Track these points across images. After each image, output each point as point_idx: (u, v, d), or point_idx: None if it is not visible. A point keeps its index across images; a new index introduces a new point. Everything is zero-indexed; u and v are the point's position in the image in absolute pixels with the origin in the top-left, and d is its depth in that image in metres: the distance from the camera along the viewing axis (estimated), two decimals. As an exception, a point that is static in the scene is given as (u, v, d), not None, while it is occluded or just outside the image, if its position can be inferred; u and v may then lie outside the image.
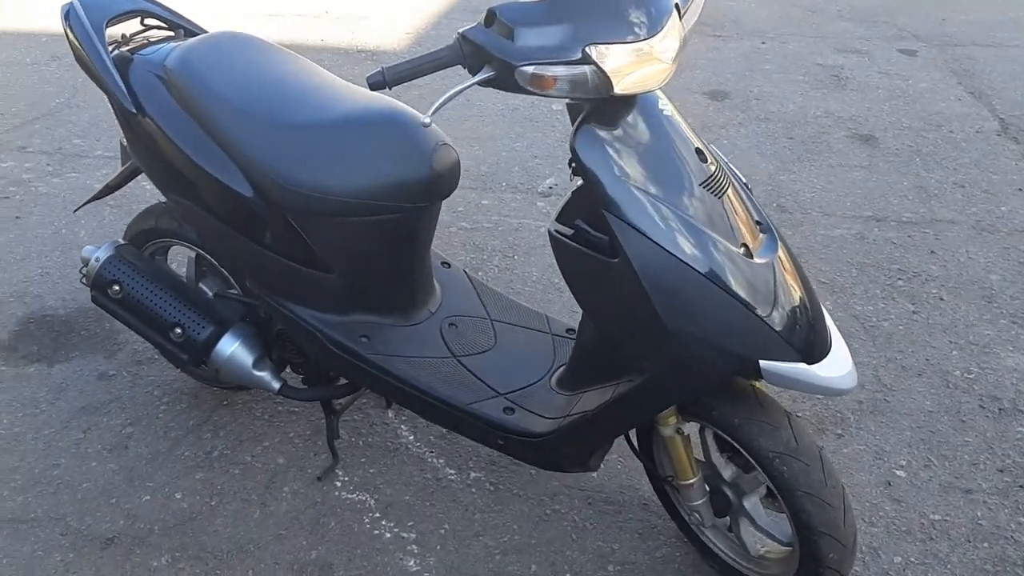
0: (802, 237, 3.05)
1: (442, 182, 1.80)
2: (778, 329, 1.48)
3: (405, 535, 2.00)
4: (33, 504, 2.07)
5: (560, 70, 1.38)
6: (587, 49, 1.36)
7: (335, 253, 1.82)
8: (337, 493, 2.10)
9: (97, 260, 2.07)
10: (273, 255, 1.84)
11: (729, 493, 1.77)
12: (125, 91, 1.86)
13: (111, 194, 2.23)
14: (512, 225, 3.12)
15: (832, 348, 1.56)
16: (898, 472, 2.15)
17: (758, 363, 1.48)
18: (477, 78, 1.40)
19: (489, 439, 1.81)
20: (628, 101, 1.48)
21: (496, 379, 1.85)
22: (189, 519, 2.04)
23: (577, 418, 1.69)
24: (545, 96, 1.42)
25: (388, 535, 2.00)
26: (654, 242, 1.45)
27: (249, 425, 2.29)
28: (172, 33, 2.07)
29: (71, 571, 1.92)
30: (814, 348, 1.52)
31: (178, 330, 2.01)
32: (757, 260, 1.50)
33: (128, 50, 1.95)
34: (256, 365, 2.03)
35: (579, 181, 1.52)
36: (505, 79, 1.39)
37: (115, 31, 2.00)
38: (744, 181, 1.66)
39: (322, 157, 1.75)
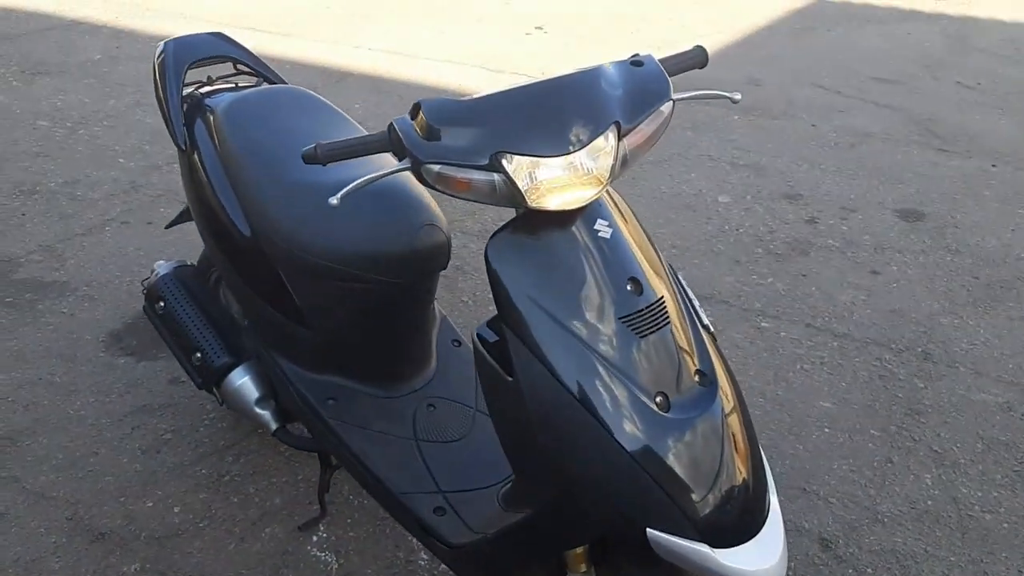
0: (934, 393, 2.64)
1: (421, 261, 1.76)
2: (675, 497, 1.29)
3: (348, 608, 1.96)
4: (60, 484, 2.26)
5: (469, 174, 1.31)
6: (498, 157, 1.28)
7: (315, 311, 1.84)
8: (309, 548, 2.10)
9: (156, 275, 2.24)
10: (262, 301, 1.89)
11: (646, 668, 1.55)
12: (181, 127, 2.01)
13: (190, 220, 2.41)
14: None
15: (760, 534, 1.33)
16: None
17: (645, 530, 1.30)
18: (393, 168, 1.36)
19: (416, 534, 1.73)
20: (560, 214, 1.37)
21: (444, 474, 1.77)
22: (174, 534, 2.13)
23: (480, 539, 1.57)
24: (465, 199, 1.35)
25: (333, 604, 1.97)
26: (548, 369, 1.32)
27: (269, 458, 2.36)
28: (255, 80, 2.20)
29: (57, 554, 2.07)
30: (724, 529, 1.31)
31: (198, 355, 2.11)
32: (672, 415, 1.32)
33: (202, 92, 2.10)
34: (258, 403, 2.09)
35: None
36: (418, 174, 1.34)
37: (204, 72, 2.17)
38: (706, 323, 1.47)
39: (310, 217, 1.78)
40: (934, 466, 2.37)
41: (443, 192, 1.35)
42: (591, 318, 1.34)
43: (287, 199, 1.81)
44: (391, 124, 1.37)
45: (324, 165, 1.43)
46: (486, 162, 1.29)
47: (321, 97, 2.09)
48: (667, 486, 1.29)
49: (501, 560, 1.56)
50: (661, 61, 1.43)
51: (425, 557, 2.08)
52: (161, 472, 2.31)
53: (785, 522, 2.20)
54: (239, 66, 2.21)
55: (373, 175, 1.36)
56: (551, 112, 1.30)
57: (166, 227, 2.51)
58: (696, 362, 1.39)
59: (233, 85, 2.18)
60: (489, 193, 1.32)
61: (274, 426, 2.09)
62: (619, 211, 1.45)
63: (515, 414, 1.37)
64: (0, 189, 3.69)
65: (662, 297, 1.40)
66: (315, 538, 2.13)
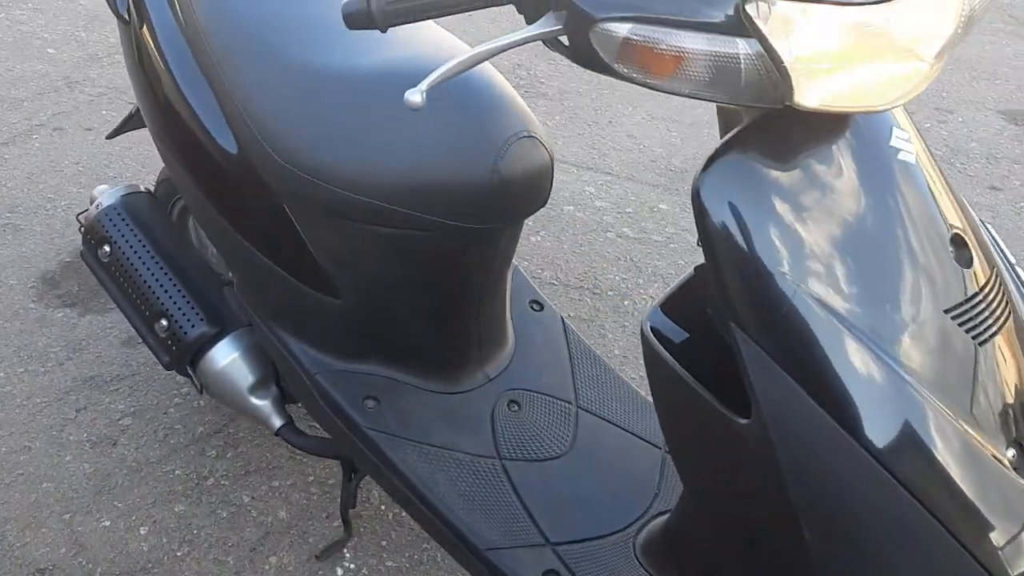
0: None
1: (512, 197, 1.13)
2: None
3: None
4: (-21, 496, 1.64)
5: (687, 41, 0.69)
6: (747, 7, 0.66)
7: (343, 270, 1.21)
8: (332, 585, 1.53)
9: (98, 206, 1.58)
10: (261, 256, 1.25)
11: None
12: None
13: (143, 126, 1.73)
14: (690, 243, 2.38)
15: None
16: None
17: None
18: (530, 32, 0.74)
19: None
20: (826, 122, 0.77)
21: (551, 516, 1.18)
22: (141, 569, 1.54)
23: None
24: (655, 88, 0.73)
25: (373, 674, 1.41)
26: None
27: (268, 451, 1.76)
28: None
29: (-24, 605, 1.47)
30: None
31: (164, 322, 1.48)
32: None
33: None
34: (255, 390, 1.46)
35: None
36: (578, 40, 0.71)
37: None
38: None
39: (332, 124, 1.12)
40: None
41: (620, 76, 0.73)
42: (894, 307, 0.74)
43: (290, 96, 1.15)
44: None
45: (382, 30, 0.79)
46: (726, 16, 0.67)
47: None
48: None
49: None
50: None
51: (494, 597, 1.51)
52: (119, 474, 1.70)
53: None
54: None
55: (484, 49, 0.73)
56: None
57: (108, 136, 1.83)
58: None
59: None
60: (715, 81, 0.71)
61: (278, 423, 1.47)
62: (911, 125, 0.85)
63: (751, 477, 0.78)
64: (-102, 87, 2.94)
65: (995, 269, 0.81)
66: (340, 570, 1.55)
